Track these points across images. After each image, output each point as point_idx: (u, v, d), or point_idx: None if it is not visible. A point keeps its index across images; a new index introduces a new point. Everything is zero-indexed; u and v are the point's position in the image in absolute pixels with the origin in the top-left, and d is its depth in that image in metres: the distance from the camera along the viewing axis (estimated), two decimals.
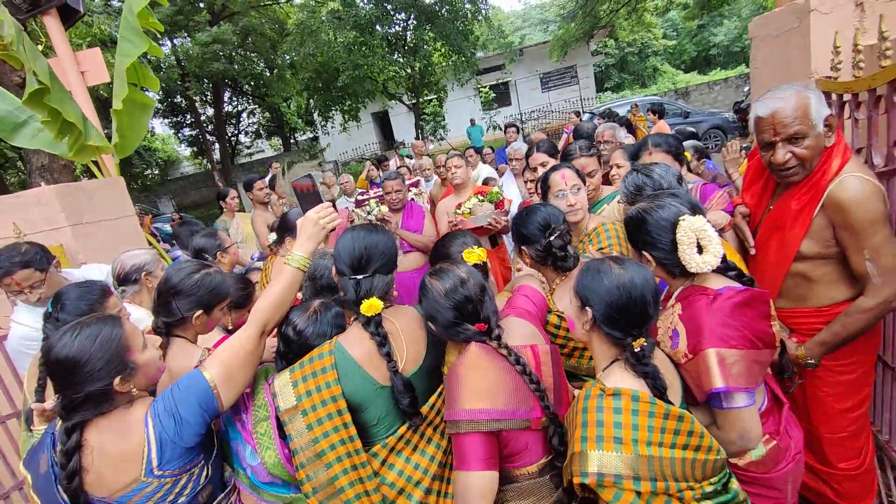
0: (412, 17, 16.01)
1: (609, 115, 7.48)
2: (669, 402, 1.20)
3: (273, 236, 3.14)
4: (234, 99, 24.83)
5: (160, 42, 17.03)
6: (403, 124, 22.61)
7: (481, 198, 3.68)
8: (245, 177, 6.00)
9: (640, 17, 22.29)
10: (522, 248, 1.76)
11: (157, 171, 27.88)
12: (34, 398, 1.66)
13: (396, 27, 16.71)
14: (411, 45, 16.86)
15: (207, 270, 1.70)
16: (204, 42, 14.38)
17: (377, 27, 15.22)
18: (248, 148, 29.91)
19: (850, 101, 1.81)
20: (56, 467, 1.20)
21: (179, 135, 26.88)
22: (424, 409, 1.41)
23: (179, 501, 1.25)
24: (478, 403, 1.24)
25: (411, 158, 9.09)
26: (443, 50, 17.54)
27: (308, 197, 1.71)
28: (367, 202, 4.57)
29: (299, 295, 1.84)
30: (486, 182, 5.26)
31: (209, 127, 23.50)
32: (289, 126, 26.93)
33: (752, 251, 1.81)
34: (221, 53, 15.54)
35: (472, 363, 1.29)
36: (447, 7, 15.63)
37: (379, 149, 22.71)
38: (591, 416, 1.16)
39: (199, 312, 1.63)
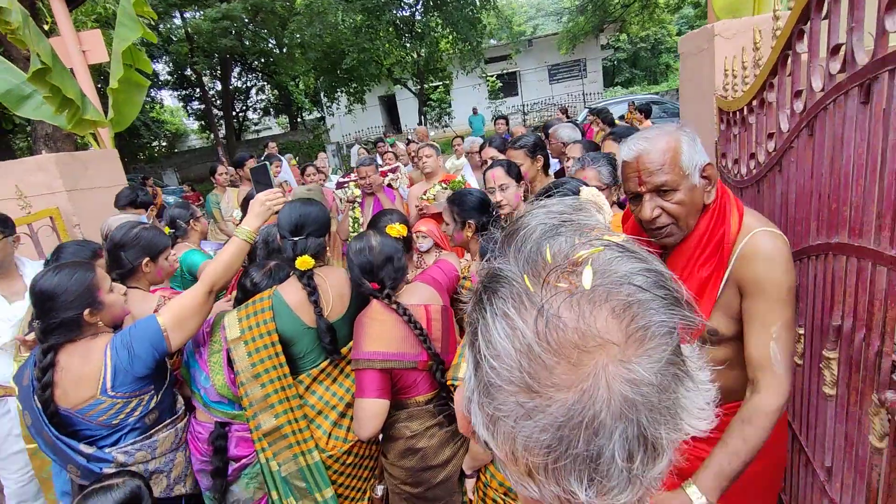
0: (420, 2, 16.15)
1: (599, 112, 7.69)
2: None
3: (239, 213, 3.47)
4: (244, 75, 25.02)
5: (171, 14, 17.26)
6: (410, 109, 22.81)
7: (445, 185, 3.98)
8: (248, 154, 6.32)
9: (652, 13, 22.29)
10: (469, 221, 2.02)
11: (164, 144, 28.18)
12: (25, 332, 1.99)
13: (404, 12, 16.85)
14: (418, 30, 17.02)
15: (144, 225, 2.04)
16: (214, 17, 14.59)
17: (386, 11, 15.38)
18: (256, 125, 30.15)
19: (729, 119, 2.09)
20: (34, 381, 1.53)
21: (188, 108, 27.14)
22: (344, 350, 1.74)
23: (129, 420, 1.56)
24: (373, 346, 1.56)
25: (406, 144, 9.37)
26: (450, 37, 17.70)
27: (261, 181, 2.01)
28: (346, 185, 4.91)
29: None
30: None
31: (217, 102, 23.74)
32: (296, 105, 27.14)
33: None
34: (231, 30, 15.74)
35: (372, 315, 1.61)
36: None
37: (384, 132, 22.96)
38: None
39: (146, 260, 1.95)
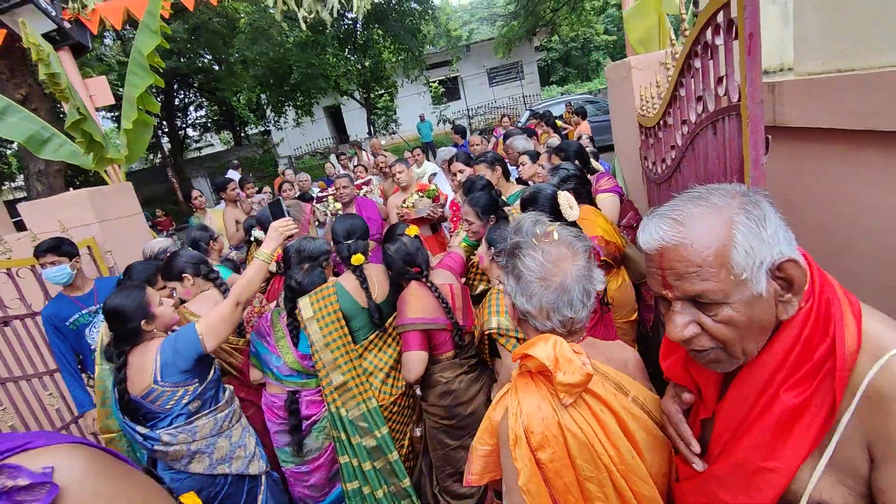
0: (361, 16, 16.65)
1: (542, 116, 8.50)
2: None
3: (258, 232, 3.94)
4: (182, 92, 24.60)
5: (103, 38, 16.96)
6: (356, 119, 23.21)
7: (421, 194, 4.62)
8: (197, 172, 6.69)
9: (580, 15, 23.69)
10: (489, 216, 2.56)
11: (70, 169, 27.10)
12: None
13: (346, 25, 17.29)
14: (361, 42, 17.53)
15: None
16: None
17: (328, 26, 15.80)
18: (197, 142, 29.55)
19: (647, 132, 2.84)
20: (114, 374, 2.00)
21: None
22: (387, 325, 2.35)
23: (177, 407, 1.99)
24: (415, 314, 2.17)
25: (375, 156, 9.92)
26: (392, 47, 18.30)
27: (276, 212, 2.48)
28: (325, 198, 5.47)
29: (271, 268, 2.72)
30: (431, 178, 6.20)
31: (160, 122, 23.27)
32: (239, 119, 26.90)
33: (699, 466, 0.94)
34: (174, 50, 15.70)
35: (412, 292, 2.23)
36: (395, 8, 16.35)
37: (332, 143, 23.22)
38: (492, 302, 2.05)
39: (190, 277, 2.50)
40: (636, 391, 1.05)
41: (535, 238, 1.03)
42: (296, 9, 4.30)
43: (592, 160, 4.57)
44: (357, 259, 2.27)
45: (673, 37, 2.53)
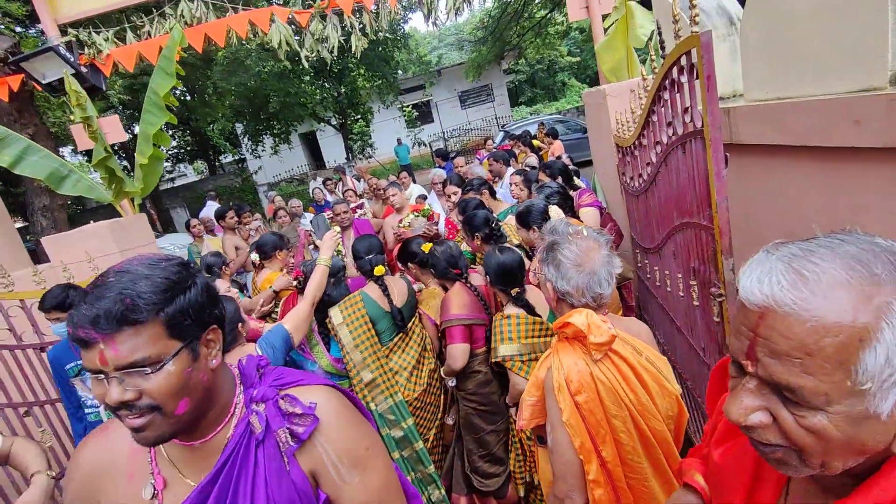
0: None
1: (519, 137, 8.96)
2: (538, 316, 2.43)
3: (255, 255, 4.20)
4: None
5: None
6: (332, 144, 23.55)
7: (416, 214, 4.96)
8: (173, 203, 6.90)
9: (545, 39, 24.74)
10: (475, 234, 2.95)
11: (73, 203, 26.75)
12: None
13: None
14: (336, 70, 17.97)
15: None
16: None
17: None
18: (170, 172, 29.36)
19: (623, 151, 3.25)
20: None
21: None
22: (409, 327, 2.64)
23: None
24: (458, 311, 2.47)
25: (359, 180, 10.25)
26: (366, 75, 18.81)
27: (322, 226, 2.86)
28: (313, 226, 5.77)
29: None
30: (418, 199, 6.56)
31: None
32: (213, 148, 26.94)
33: None
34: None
35: (456, 291, 2.55)
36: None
37: (309, 170, 23.47)
38: (496, 329, 2.35)
39: None
40: (648, 352, 1.39)
41: (569, 235, 1.37)
42: (298, 49, 4.63)
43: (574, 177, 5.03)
44: (379, 270, 2.57)
45: (642, 69, 2.94)
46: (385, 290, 2.58)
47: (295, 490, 0.97)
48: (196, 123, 21.70)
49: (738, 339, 0.63)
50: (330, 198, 8.58)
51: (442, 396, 2.77)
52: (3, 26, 5.13)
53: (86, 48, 4.20)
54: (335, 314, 2.54)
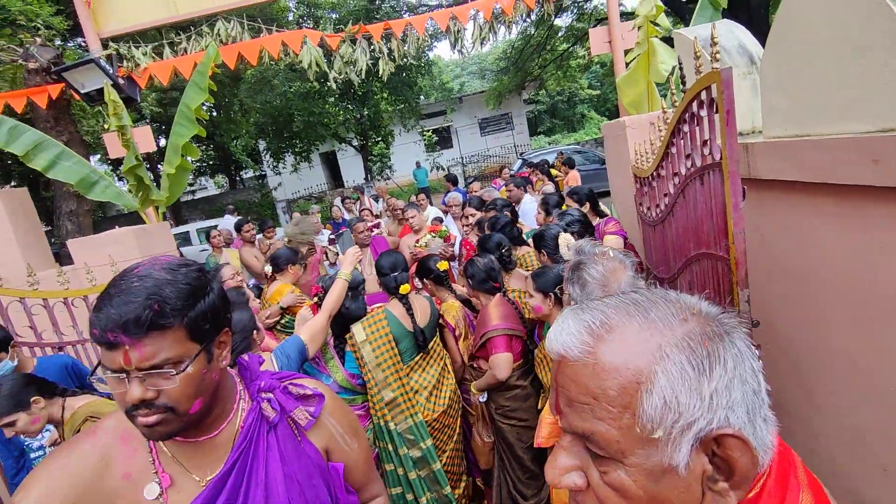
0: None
1: (537, 165, 9.06)
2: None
3: (269, 267, 4.28)
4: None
5: None
6: (351, 165, 23.91)
7: (433, 235, 5.01)
8: (192, 215, 7.05)
9: (566, 72, 25.10)
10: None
11: (95, 209, 27.34)
12: None
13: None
14: (360, 93, 18.39)
15: None
16: (163, 88, 15.21)
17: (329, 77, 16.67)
18: (191, 185, 29.95)
19: (641, 181, 3.28)
20: None
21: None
22: (430, 346, 2.66)
23: None
24: (499, 321, 2.52)
25: (376, 200, 10.41)
26: (389, 98, 19.21)
27: (347, 242, 2.91)
28: (338, 241, 5.85)
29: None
30: (434, 221, 6.64)
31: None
32: (235, 164, 27.50)
33: None
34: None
35: (496, 304, 2.59)
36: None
37: (327, 188, 23.83)
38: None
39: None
40: None
41: (595, 256, 1.40)
42: (327, 70, 4.79)
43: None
44: (404, 288, 2.61)
45: (663, 102, 2.99)
46: (409, 308, 2.61)
47: (311, 464, 1.08)
48: (220, 139, 22.27)
49: (552, 393, 0.64)
50: (347, 216, 8.72)
51: (459, 419, 2.77)
52: (47, 39, 5.41)
53: (124, 61, 4.40)
54: (358, 331, 2.56)
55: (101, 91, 4.11)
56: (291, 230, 4.96)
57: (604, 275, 1.39)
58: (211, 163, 28.47)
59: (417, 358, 2.63)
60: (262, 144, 21.46)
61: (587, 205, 3.64)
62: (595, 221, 3.61)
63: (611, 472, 0.56)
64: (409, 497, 2.54)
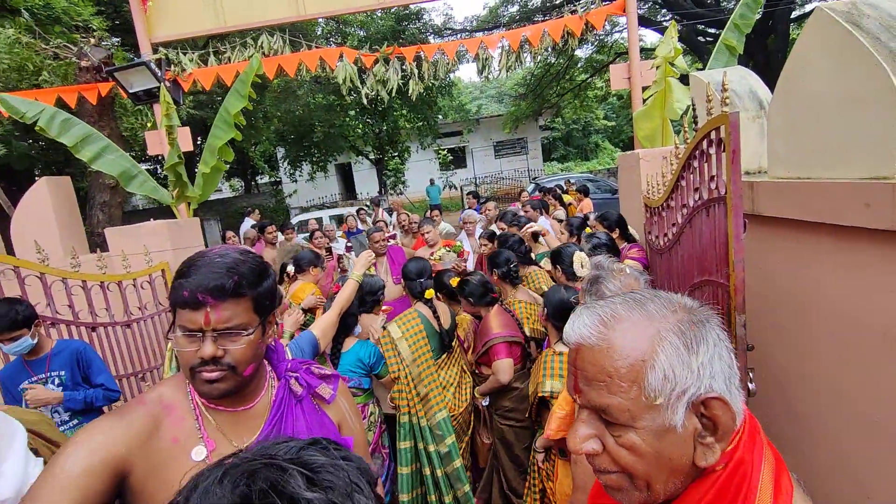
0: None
1: (550, 191, 9.29)
2: None
3: (291, 267, 4.47)
4: (198, 138, 25.68)
5: None
6: (365, 177, 24.30)
7: (447, 249, 5.20)
8: (207, 215, 7.27)
9: (583, 101, 25.50)
10: (494, 270, 3.20)
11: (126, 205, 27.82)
12: None
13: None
14: (380, 109, 18.81)
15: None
16: (198, 93, 15.67)
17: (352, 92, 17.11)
18: None
19: (651, 211, 3.46)
20: None
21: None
22: (453, 346, 2.83)
23: None
24: (500, 330, 2.68)
25: (391, 213, 10.65)
26: (409, 115, 19.61)
27: (363, 244, 3.13)
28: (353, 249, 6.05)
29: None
30: (447, 236, 6.86)
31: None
32: (252, 168, 27.99)
33: None
34: (209, 105, 16.82)
35: (495, 314, 2.76)
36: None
37: (340, 199, 24.17)
38: (546, 364, 2.52)
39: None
40: None
41: (613, 271, 1.57)
42: (360, 87, 5.05)
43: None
44: (429, 293, 2.80)
45: (676, 138, 3.19)
46: (434, 311, 2.80)
47: (331, 435, 1.20)
48: (240, 143, 22.76)
49: (569, 377, 0.78)
50: (361, 226, 8.95)
51: (472, 418, 2.94)
52: (100, 39, 5.76)
53: (172, 66, 4.68)
54: (393, 329, 2.73)
55: (147, 91, 4.38)
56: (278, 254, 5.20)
57: (620, 289, 1.55)
58: (228, 166, 28.93)
59: (443, 357, 2.81)
60: (280, 152, 21.88)
61: (616, 231, 3.75)
62: (621, 245, 3.72)
63: (623, 435, 0.69)
64: (433, 498, 2.68)
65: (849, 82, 1.98)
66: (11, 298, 2.65)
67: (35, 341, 2.64)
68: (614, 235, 3.70)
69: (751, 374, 2.09)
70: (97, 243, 5.28)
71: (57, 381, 2.73)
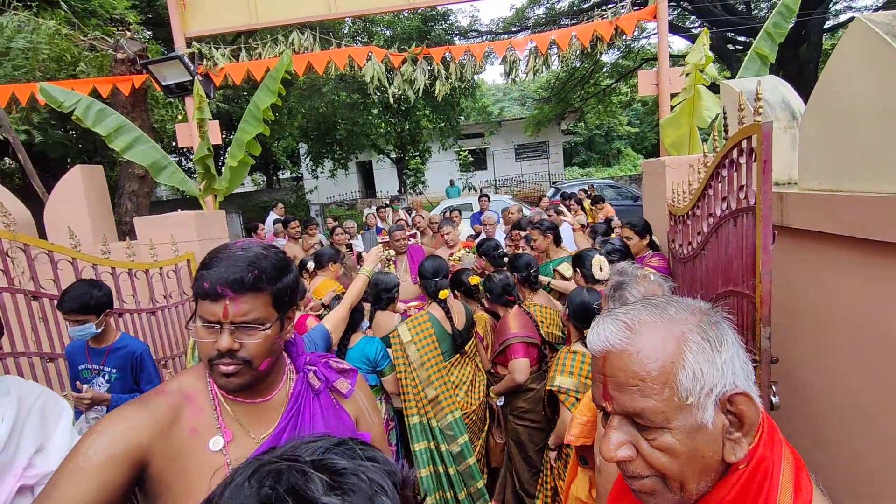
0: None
1: (571, 196, 9.25)
2: None
3: (312, 264, 4.53)
4: (223, 132, 26.08)
5: None
6: (386, 176, 24.43)
7: (467, 250, 5.22)
8: (228, 208, 7.38)
9: (607, 107, 25.29)
10: (514, 273, 3.20)
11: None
12: None
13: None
14: (403, 108, 18.90)
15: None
16: (228, 87, 15.95)
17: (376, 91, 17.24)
18: None
19: (676, 219, 3.43)
20: None
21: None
22: (466, 348, 2.85)
23: None
24: (518, 330, 2.70)
25: (410, 213, 10.72)
26: (431, 116, 19.67)
27: (373, 242, 3.15)
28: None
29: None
30: (468, 238, 6.87)
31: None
32: (274, 163, 28.33)
33: None
34: (231, 98, 17.09)
35: (514, 314, 2.78)
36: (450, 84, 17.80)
37: (360, 197, 24.34)
38: (560, 359, 2.54)
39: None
40: None
41: (636, 277, 1.57)
42: (387, 86, 5.10)
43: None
44: (444, 294, 2.81)
45: (704, 146, 3.16)
46: (447, 312, 2.81)
47: (347, 430, 1.24)
48: (263, 138, 23.02)
49: (596, 386, 0.78)
50: (381, 224, 8.99)
51: (487, 415, 2.95)
52: (136, 32, 5.93)
53: (205, 60, 4.78)
54: (403, 332, 2.75)
55: (179, 84, 4.48)
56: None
57: (644, 295, 1.55)
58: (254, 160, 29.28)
59: (456, 357, 2.82)
60: (303, 148, 22.11)
61: (647, 237, 3.68)
62: (644, 253, 3.68)
63: (658, 437, 0.70)
64: (449, 496, 2.70)
65: (887, 95, 1.94)
66: (92, 281, 2.58)
67: (99, 331, 2.57)
68: (644, 242, 3.66)
69: (774, 388, 2.06)
70: (125, 231, 5.41)
71: (107, 377, 2.68)
